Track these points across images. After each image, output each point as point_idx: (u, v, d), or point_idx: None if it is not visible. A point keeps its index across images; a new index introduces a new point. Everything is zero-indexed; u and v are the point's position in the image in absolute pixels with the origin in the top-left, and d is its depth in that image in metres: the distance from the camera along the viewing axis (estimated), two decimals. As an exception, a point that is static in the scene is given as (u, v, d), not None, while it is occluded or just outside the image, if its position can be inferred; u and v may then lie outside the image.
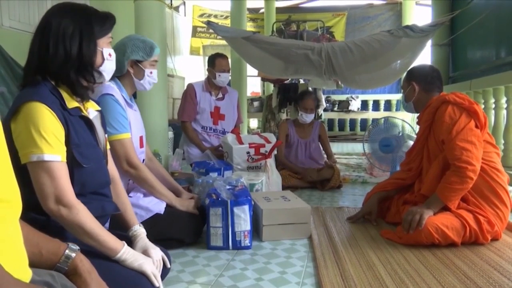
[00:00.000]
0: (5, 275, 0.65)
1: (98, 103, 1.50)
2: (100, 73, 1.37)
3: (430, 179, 2.24)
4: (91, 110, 1.41)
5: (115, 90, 1.91)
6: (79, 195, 1.24)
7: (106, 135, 1.50)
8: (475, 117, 2.15)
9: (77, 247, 1.02)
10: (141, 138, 2.12)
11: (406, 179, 2.50)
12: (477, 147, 2.08)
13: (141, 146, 2.12)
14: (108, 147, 1.53)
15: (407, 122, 3.47)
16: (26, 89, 1.25)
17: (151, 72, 2.05)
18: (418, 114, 2.47)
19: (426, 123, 2.33)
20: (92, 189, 1.33)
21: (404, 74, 2.62)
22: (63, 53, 1.26)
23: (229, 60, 3.76)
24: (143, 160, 2.17)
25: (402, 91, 2.58)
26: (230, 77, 3.98)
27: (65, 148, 1.22)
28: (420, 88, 2.40)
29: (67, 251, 1.00)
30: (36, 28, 1.30)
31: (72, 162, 1.24)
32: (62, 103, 1.25)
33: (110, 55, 1.40)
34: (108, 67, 1.39)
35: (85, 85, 1.31)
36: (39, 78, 1.25)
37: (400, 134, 3.52)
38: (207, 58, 3.83)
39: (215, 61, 3.51)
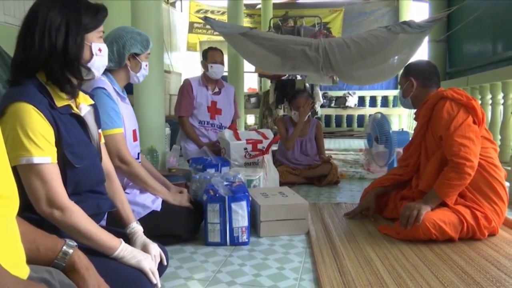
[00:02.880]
0: (2, 272, 0.65)
1: (92, 96, 1.46)
2: (88, 69, 1.31)
3: (428, 175, 2.24)
4: (83, 105, 1.37)
5: (106, 84, 1.89)
6: (73, 194, 1.22)
7: (100, 130, 1.47)
8: (473, 113, 2.14)
9: (75, 243, 1.01)
10: (134, 131, 2.11)
11: (404, 174, 2.50)
12: (475, 143, 2.07)
13: (135, 139, 2.11)
14: (103, 141, 1.50)
15: (383, 113, 3.50)
16: (12, 88, 1.21)
17: (146, 65, 2.06)
18: (416, 110, 2.47)
19: (424, 119, 2.32)
20: (86, 187, 1.31)
21: (402, 70, 2.61)
22: (48, 47, 1.19)
23: (226, 56, 3.76)
24: (138, 153, 2.16)
25: (399, 86, 2.57)
26: (226, 73, 3.97)
27: (55, 149, 1.18)
28: (418, 84, 2.39)
29: (64, 247, 0.98)
30: (23, 20, 1.23)
31: (65, 162, 1.21)
32: (50, 102, 1.20)
33: (100, 50, 1.32)
34: (97, 63, 1.33)
35: (72, 81, 1.26)
36: (24, 75, 1.21)
37: (390, 130, 3.54)
38: (203, 53, 3.82)
39: (207, 54, 3.54)
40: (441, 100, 2.21)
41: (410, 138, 2.57)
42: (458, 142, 2.07)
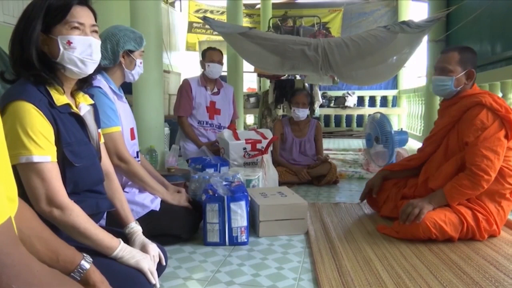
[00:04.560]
0: (31, 263, 0.64)
1: (92, 96, 1.46)
2: (62, 66, 1.24)
3: (444, 175, 2.17)
4: (83, 105, 1.36)
5: (102, 83, 1.89)
6: (72, 193, 1.22)
7: (99, 130, 1.47)
8: (508, 126, 2.05)
9: (91, 259, 1.04)
10: (132, 130, 2.11)
11: (412, 160, 2.50)
12: (499, 159, 2.02)
13: (133, 138, 2.11)
14: (102, 141, 1.51)
15: (383, 113, 3.50)
16: (12, 87, 1.21)
17: (140, 63, 2.06)
18: (443, 101, 2.38)
19: (453, 118, 2.22)
20: (85, 187, 1.31)
21: (451, 52, 2.24)
22: (12, 41, 1.22)
23: (225, 56, 3.75)
24: (137, 152, 2.16)
25: (438, 73, 2.26)
26: (226, 73, 3.97)
27: (55, 148, 1.18)
28: (475, 77, 2.22)
29: (82, 261, 1.01)
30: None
31: (64, 161, 1.21)
32: (50, 100, 1.20)
33: (69, 43, 1.22)
34: (68, 57, 1.23)
35: (56, 79, 1.23)
36: (22, 73, 1.22)
37: (391, 131, 3.55)
38: (203, 53, 3.82)
39: (206, 53, 3.56)
40: (477, 106, 2.10)
41: (430, 132, 2.43)
42: (482, 154, 2.02)
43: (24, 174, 1.14)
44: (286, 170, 3.54)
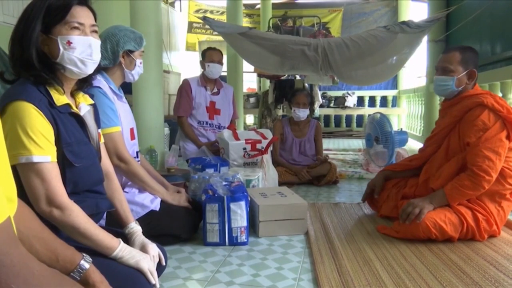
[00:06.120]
0: (30, 263, 0.64)
1: (92, 96, 1.46)
2: (62, 66, 1.24)
3: (445, 176, 2.16)
4: (83, 105, 1.36)
5: (102, 83, 1.89)
6: (72, 193, 1.22)
7: (99, 130, 1.47)
8: (509, 127, 2.05)
9: (90, 259, 1.04)
10: (131, 130, 2.11)
11: (413, 160, 2.49)
12: (500, 159, 2.02)
13: (132, 138, 2.11)
14: (102, 141, 1.51)
15: (383, 113, 3.49)
16: (12, 87, 1.21)
17: (140, 63, 2.06)
18: (444, 101, 2.38)
19: (455, 118, 2.21)
20: (85, 187, 1.31)
21: (454, 55, 2.22)
22: (12, 42, 1.22)
23: (225, 56, 3.75)
24: (137, 152, 2.16)
25: (440, 73, 2.26)
26: (226, 73, 3.97)
27: (55, 148, 1.18)
28: (476, 77, 2.22)
29: (82, 261, 1.01)
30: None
31: (64, 162, 1.21)
32: (50, 100, 1.20)
33: (69, 43, 1.22)
34: (68, 57, 1.23)
35: (57, 80, 1.23)
36: (22, 74, 1.22)
37: (391, 131, 3.55)
38: (203, 53, 3.82)
39: (205, 53, 3.57)
40: (479, 106, 2.10)
41: (432, 132, 2.43)
42: (484, 154, 2.01)
43: (24, 174, 1.14)
44: (286, 170, 3.54)
